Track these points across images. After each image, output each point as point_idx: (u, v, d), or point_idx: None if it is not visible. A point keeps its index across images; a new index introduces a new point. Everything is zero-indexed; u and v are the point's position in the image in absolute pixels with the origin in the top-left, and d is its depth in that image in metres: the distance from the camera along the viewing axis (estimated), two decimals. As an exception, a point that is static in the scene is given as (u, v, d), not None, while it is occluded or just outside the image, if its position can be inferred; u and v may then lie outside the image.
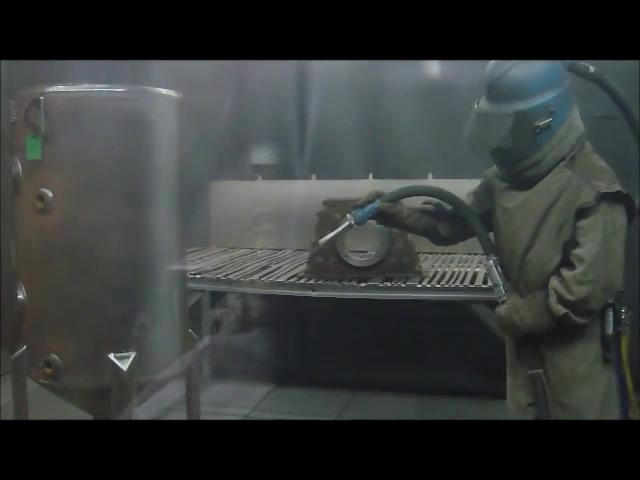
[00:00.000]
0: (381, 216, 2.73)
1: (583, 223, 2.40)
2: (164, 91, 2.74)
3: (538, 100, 2.41)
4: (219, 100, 5.69)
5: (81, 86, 2.57)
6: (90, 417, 2.80)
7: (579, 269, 2.39)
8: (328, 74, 5.51)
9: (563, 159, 2.48)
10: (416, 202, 2.83)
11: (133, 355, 2.56)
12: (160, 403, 4.38)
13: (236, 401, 5.16)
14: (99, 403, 2.59)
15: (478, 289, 4.10)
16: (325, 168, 5.58)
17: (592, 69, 2.55)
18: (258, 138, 5.80)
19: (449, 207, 2.77)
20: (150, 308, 2.67)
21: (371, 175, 5.24)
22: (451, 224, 2.82)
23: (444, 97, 5.32)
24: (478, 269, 4.58)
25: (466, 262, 4.89)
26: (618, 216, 2.42)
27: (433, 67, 5.14)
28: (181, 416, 3.14)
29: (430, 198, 2.81)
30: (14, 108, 2.60)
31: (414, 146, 5.32)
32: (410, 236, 4.40)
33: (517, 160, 2.51)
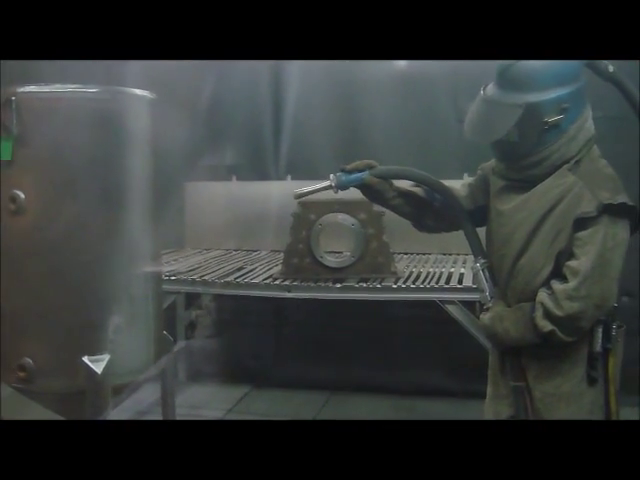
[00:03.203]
0: (366, 189, 2.52)
1: (581, 234, 2.23)
2: (138, 91, 2.72)
3: (551, 94, 2.22)
4: (193, 100, 5.67)
5: (53, 86, 2.55)
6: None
7: (571, 283, 2.22)
8: (303, 74, 5.52)
9: (568, 161, 2.29)
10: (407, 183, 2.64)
11: (107, 358, 2.54)
12: (135, 406, 4.35)
13: (212, 403, 5.14)
14: (73, 406, 2.57)
15: (453, 289, 4.12)
16: (301, 169, 5.58)
17: (611, 68, 2.37)
18: (233, 138, 5.78)
19: (440, 197, 2.59)
20: (124, 310, 2.65)
21: (347, 176, 5.19)
22: (438, 215, 2.62)
23: (421, 95, 5.35)
24: (453, 269, 4.60)
25: (441, 262, 4.91)
26: (619, 230, 2.24)
27: (408, 64, 5.12)
28: (157, 418, 3.11)
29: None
30: (-15, 108, 2.57)
31: (391, 146, 5.33)
32: (385, 236, 4.41)
33: (519, 156, 2.32)
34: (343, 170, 2.50)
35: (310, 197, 4.07)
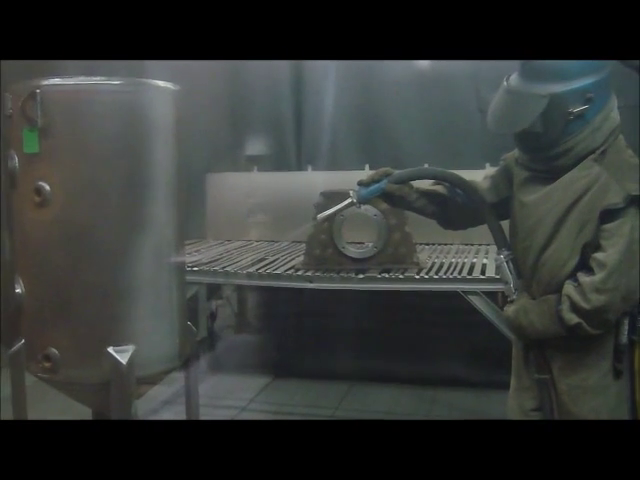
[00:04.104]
0: (387, 197, 2.53)
1: (608, 226, 2.21)
2: (161, 83, 2.72)
3: (576, 84, 2.20)
4: (215, 92, 5.68)
5: (78, 79, 2.55)
6: (89, 411, 2.81)
7: (599, 276, 2.20)
8: (324, 66, 5.51)
9: (593, 152, 2.26)
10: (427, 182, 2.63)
11: (132, 349, 2.55)
12: (159, 396, 4.39)
13: (234, 393, 5.16)
14: (98, 397, 2.59)
15: (476, 280, 4.11)
16: (321, 159, 5.57)
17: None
18: (254, 129, 5.79)
19: (461, 193, 2.56)
20: (149, 301, 2.66)
21: (367, 166, 5.18)
22: (462, 210, 2.58)
23: (440, 85, 5.33)
24: (475, 260, 4.59)
25: (463, 253, 4.90)
26: None
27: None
28: (180, 409, 3.13)
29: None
30: (10, 101, 2.58)
31: (410, 136, 5.33)
32: (408, 227, 4.40)
33: (544, 147, 2.29)
34: (361, 184, 2.50)
35: (332, 187, 4.12)
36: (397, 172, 2.52)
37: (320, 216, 2.63)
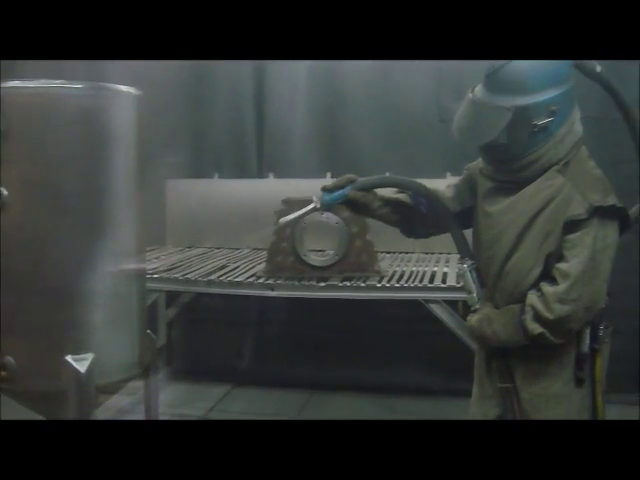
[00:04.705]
0: (351, 204, 2.53)
1: (571, 236, 2.23)
2: (123, 88, 2.68)
3: (540, 97, 2.20)
4: (176, 97, 5.64)
5: (38, 82, 2.51)
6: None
7: (562, 286, 2.22)
8: (285, 72, 5.51)
9: (557, 164, 2.29)
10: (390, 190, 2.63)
11: (91, 357, 2.51)
12: (117, 405, 4.32)
13: (193, 402, 5.11)
14: (56, 406, 2.54)
15: (437, 289, 4.13)
16: (283, 167, 5.56)
17: (599, 69, 2.37)
18: (214, 136, 5.75)
19: (425, 201, 2.56)
20: (108, 308, 2.62)
21: (329, 174, 5.17)
22: (425, 219, 2.59)
23: (402, 94, 5.35)
24: (436, 268, 4.61)
25: (424, 261, 4.92)
26: (609, 231, 2.25)
27: (391, 63, 5.12)
28: (140, 418, 3.09)
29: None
30: (-31, 104, 2.53)
31: (372, 145, 5.34)
32: (369, 235, 4.41)
33: (508, 159, 2.31)
34: (324, 190, 2.49)
35: (294, 195, 4.11)
36: (361, 179, 2.52)
37: (282, 220, 2.61)
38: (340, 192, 2.48)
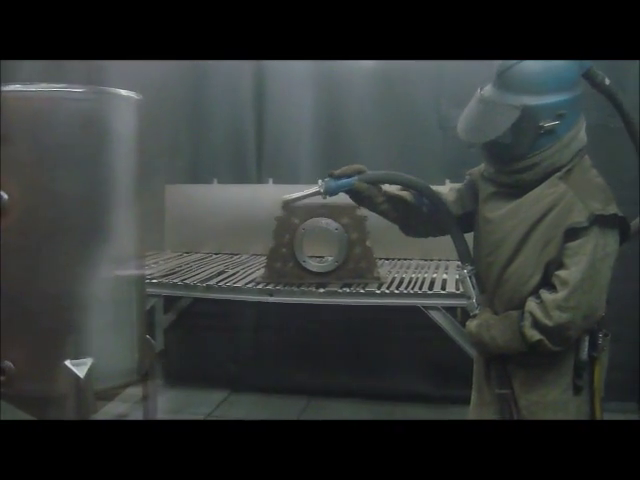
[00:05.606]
0: (354, 194, 2.50)
1: (571, 244, 2.22)
2: (123, 92, 2.69)
3: (549, 99, 2.20)
4: (175, 101, 5.64)
5: (39, 85, 2.51)
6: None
7: (561, 293, 2.21)
8: (285, 77, 5.51)
9: (559, 169, 2.27)
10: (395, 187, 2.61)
11: (90, 362, 2.50)
12: (115, 410, 4.31)
13: (191, 407, 5.10)
14: (54, 411, 2.53)
15: (436, 295, 4.12)
16: (282, 172, 5.56)
17: (608, 81, 2.36)
18: (214, 141, 5.75)
19: (428, 202, 2.56)
20: (108, 313, 2.62)
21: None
22: (426, 219, 2.59)
23: (402, 101, 5.36)
24: (435, 275, 4.61)
25: (423, 268, 4.91)
26: (610, 240, 2.24)
27: (392, 67, 5.12)
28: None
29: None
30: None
31: (372, 151, 5.33)
32: (369, 242, 4.40)
33: (511, 159, 2.30)
34: (331, 176, 2.48)
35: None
36: (369, 172, 2.51)
37: (285, 197, 2.59)
38: (347, 180, 2.47)
